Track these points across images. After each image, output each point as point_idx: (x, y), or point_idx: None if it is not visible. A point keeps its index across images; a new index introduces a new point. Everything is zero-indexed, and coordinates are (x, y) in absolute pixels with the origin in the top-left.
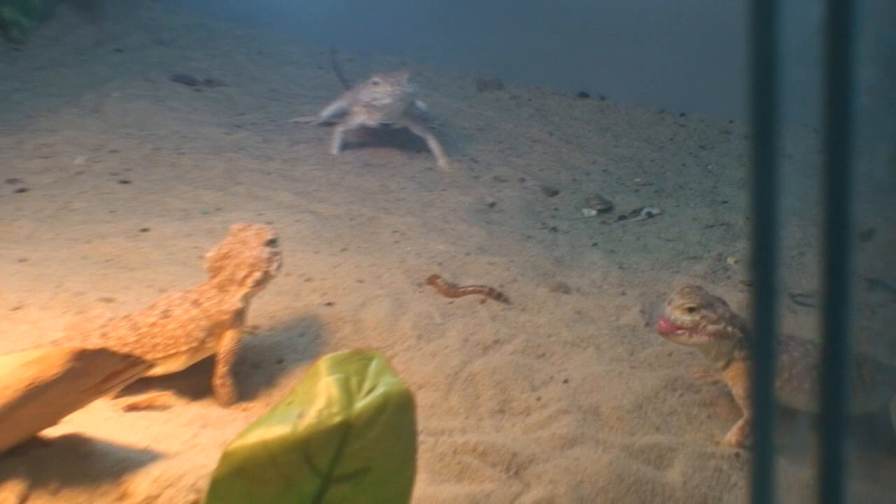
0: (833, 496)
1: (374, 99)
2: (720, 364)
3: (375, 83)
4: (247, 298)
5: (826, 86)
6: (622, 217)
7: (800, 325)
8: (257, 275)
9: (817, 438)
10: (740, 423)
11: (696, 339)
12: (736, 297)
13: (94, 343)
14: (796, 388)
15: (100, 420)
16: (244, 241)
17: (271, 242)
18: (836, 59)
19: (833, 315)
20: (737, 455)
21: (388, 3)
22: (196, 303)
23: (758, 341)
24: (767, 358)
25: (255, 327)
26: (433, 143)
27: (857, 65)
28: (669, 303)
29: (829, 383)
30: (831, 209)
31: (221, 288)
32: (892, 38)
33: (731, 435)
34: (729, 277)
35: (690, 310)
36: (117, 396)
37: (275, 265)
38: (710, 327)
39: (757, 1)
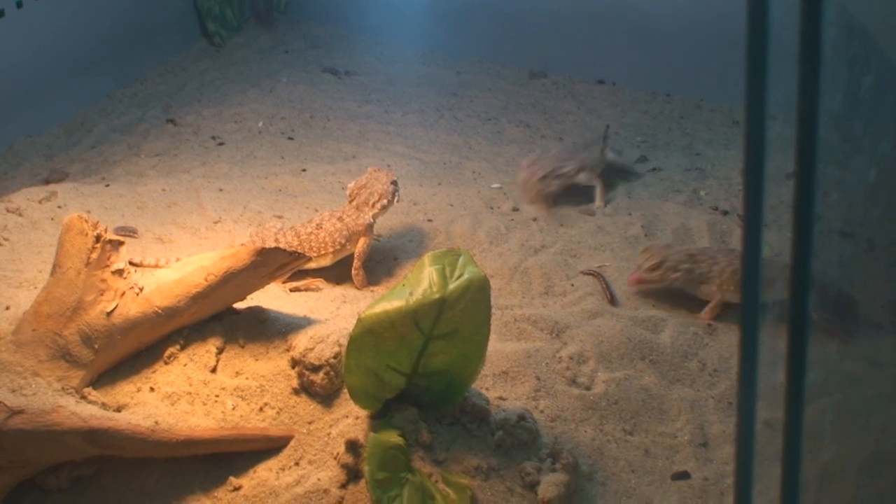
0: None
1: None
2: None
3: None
4: (375, 217)
5: (802, 42)
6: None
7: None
8: (384, 201)
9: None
10: (711, 305)
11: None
12: (706, 219)
13: (269, 244)
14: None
15: (273, 297)
16: (377, 178)
17: (394, 182)
18: (809, 22)
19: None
20: (708, 325)
21: (472, 14)
22: (340, 219)
23: (746, 266)
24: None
25: (379, 236)
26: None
27: (825, 27)
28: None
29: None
30: (802, 135)
31: (358, 209)
32: (851, 5)
33: (705, 312)
34: (701, 205)
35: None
36: (285, 282)
37: (395, 197)
38: (672, 275)
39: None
